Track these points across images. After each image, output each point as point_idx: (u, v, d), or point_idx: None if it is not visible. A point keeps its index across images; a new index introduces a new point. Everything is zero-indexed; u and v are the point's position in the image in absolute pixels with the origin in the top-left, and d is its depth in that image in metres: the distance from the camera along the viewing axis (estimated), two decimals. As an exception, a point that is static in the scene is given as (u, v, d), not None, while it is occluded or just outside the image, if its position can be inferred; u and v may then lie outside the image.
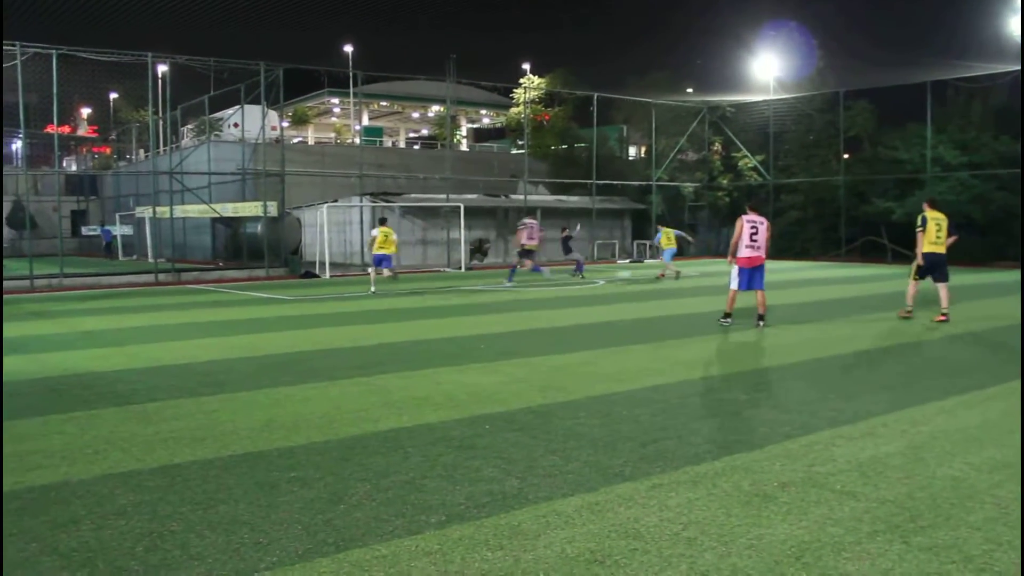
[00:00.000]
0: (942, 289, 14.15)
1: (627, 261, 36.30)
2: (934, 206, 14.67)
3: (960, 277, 21.60)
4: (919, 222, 14.31)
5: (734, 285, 13.83)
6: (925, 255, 14.19)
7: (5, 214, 51.86)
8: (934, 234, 14.25)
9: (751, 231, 13.63)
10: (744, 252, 13.56)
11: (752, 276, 13.64)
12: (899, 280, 21.82)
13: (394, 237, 21.48)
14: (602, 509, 5.06)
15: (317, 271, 28.67)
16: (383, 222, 22.03)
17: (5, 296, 22.06)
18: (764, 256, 13.66)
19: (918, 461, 5.98)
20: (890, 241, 33.82)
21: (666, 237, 25.52)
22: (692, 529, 4.73)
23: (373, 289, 21.35)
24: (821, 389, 8.56)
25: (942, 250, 14.32)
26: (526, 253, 23.81)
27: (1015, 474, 5.65)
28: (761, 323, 13.67)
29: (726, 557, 4.35)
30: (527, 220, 24.20)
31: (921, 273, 14.41)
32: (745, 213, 13.99)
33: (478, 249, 34.39)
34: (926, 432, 6.80)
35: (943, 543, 4.50)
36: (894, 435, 6.71)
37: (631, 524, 4.81)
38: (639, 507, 5.09)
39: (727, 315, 14.08)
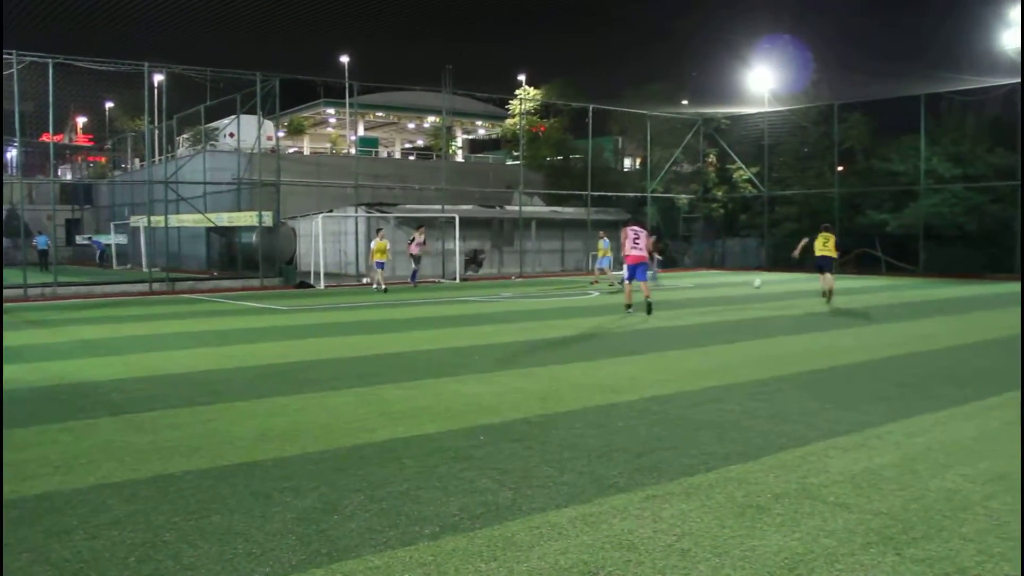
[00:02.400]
0: (829, 279, 20.47)
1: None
2: (827, 230, 21.49)
3: (955, 289, 21.67)
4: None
5: (624, 276, 18.38)
6: (817, 257, 21.02)
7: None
8: (821, 244, 20.96)
9: (634, 237, 17.59)
10: (630, 252, 17.52)
11: (635, 270, 17.66)
12: (894, 292, 21.92)
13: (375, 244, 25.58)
14: (596, 520, 5.06)
15: (312, 281, 28.65)
16: (378, 232, 25.39)
17: (-1, 305, 22.04)
18: (645, 256, 17.72)
19: (912, 473, 6.00)
20: (884, 253, 33.92)
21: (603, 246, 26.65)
22: (686, 540, 4.73)
23: (384, 287, 24.96)
24: (816, 400, 8.57)
25: (831, 254, 20.93)
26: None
27: (1009, 486, 5.66)
28: (649, 308, 17.48)
29: (720, 569, 4.35)
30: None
31: (818, 269, 21.03)
32: (635, 223, 18.33)
33: (473, 260, 34.41)
34: (920, 443, 6.81)
35: (936, 555, 4.51)
36: (888, 446, 6.72)
37: (625, 536, 4.81)
38: (633, 518, 5.09)
39: (628, 306, 18.13)
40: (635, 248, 17.48)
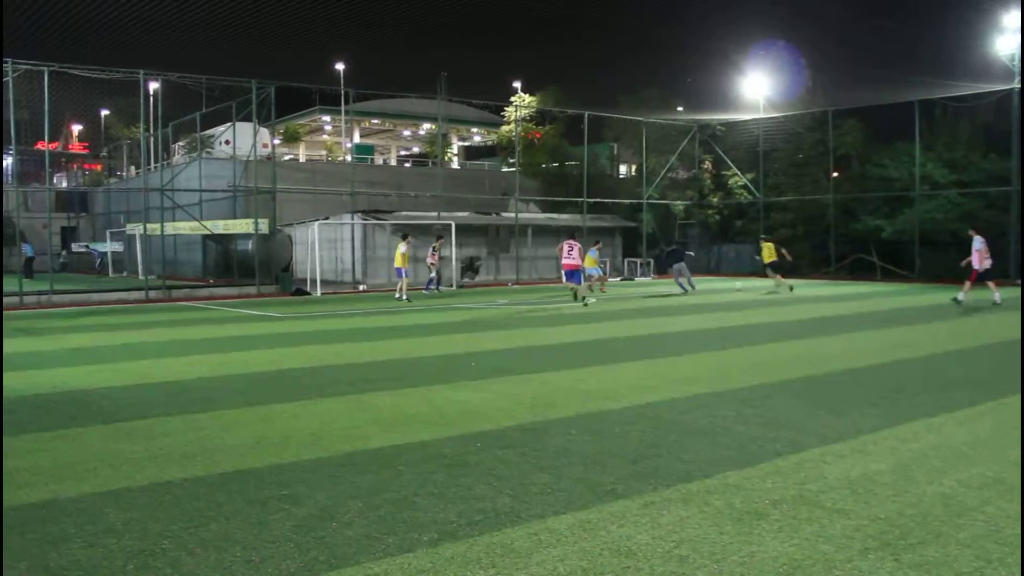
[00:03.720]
0: (778, 277, 27.41)
1: (618, 279, 36.33)
2: (765, 241, 28.50)
3: (949, 295, 21.71)
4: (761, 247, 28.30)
5: (564, 280, 23.40)
6: (767, 264, 27.73)
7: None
8: (768, 254, 27.81)
9: (568, 249, 22.28)
10: (565, 262, 22.26)
11: (570, 276, 22.47)
12: (890, 298, 21.96)
13: (399, 251, 25.66)
14: (594, 527, 5.05)
15: (308, 288, 28.64)
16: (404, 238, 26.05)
17: (-6, 313, 21.99)
18: (578, 264, 22.37)
19: (908, 478, 6.00)
20: (879, 259, 33.98)
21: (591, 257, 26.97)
22: (684, 547, 4.73)
23: (405, 297, 24.80)
24: (811, 406, 8.58)
25: (775, 258, 27.58)
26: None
27: (1005, 491, 5.67)
28: (585, 302, 22.43)
29: (719, 575, 4.35)
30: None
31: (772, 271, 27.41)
32: (571, 238, 22.85)
33: (469, 267, 34.42)
34: (916, 449, 6.82)
35: (934, 560, 4.51)
36: (884, 452, 6.73)
37: (623, 542, 4.81)
38: (631, 525, 5.09)
39: (583, 299, 22.87)
40: (569, 258, 22.16)
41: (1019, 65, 29.73)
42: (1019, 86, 29.85)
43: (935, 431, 7.45)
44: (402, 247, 25.62)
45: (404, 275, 25.35)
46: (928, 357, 12.39)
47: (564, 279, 23.04)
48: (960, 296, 20.72)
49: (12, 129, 25.15)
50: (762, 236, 30.80)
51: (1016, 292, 23.39)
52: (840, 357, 12.25)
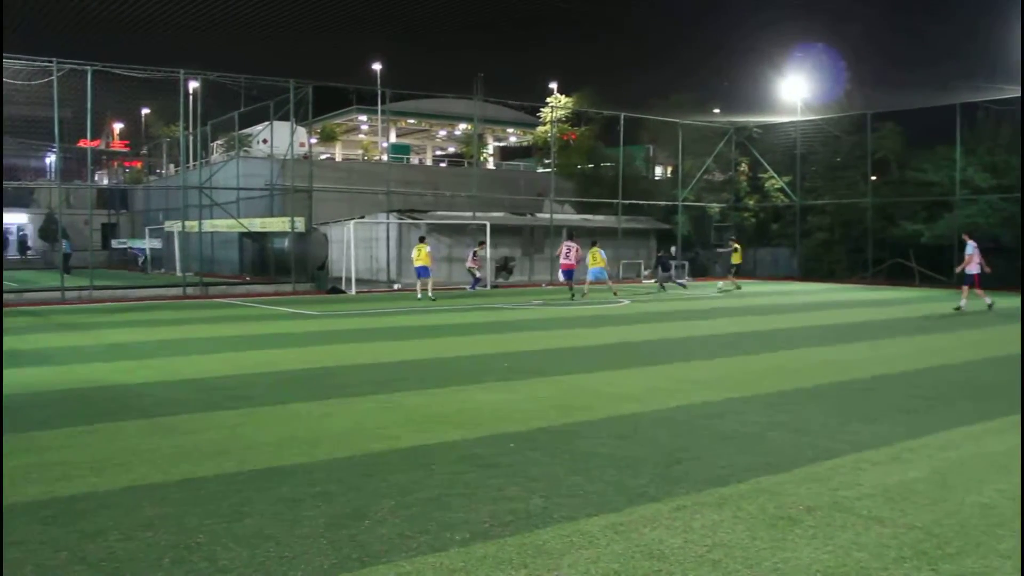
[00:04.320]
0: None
1: (653, 281, 36.17)
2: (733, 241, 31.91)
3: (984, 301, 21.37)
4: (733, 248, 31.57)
5: (560, 278, 27.02)
6: (735, 265, 31.81)
7: (38, 227, 52.58)
8: (738, 257, 31.79)
9: (567, 251, 25.81)
10: (563, 262, 25.78)
11: (568, 275, 26.10)
12: (928, 303, 21.68)
13: (426, 251, 25.66)
14: (626, 530, 5.04)
15: (343, 287, 28.80)
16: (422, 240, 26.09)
17: (37, 308, 22.36)
18: (575, 264, 25.79)
19: (945, 487, 5.92)
20: (918, 264, 33.54)
21: (592, 257, 26.60)
22: (717, 551, 4.70)
23: (420, 296, 25.23)
24: (845, 412, 8.49)
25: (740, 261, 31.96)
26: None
27: (1045, 502, 5.57)
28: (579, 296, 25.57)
29: (750, 580, 4.32)
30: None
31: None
32: (570, 239, 26.48)
33: (504, 267, 34.44)
34: (953, 458, 6.73)
35: (972, 571, 4.44)
36: (920, 460, 6.64)
37: (655, 545, 4.79)
38: (663, 528, 5.07)
39: (573, 295, 25.71)
40: (567, 259, 25.78)
41: (1021, 66, 29.18)
42: (1021, 89, 29.35)
43: (973, 440, 7.34)
44: (426, 248, 25.76)
45: (428, 274, 25.55)
46: (965, 364, 12.21)
47: (561, 278, 26.57)
48: (962, 303, 20.86)
49: (56, 127, 25.53)
50: (732, 238, 34.64)
51: (1016, 301, 22.89)
52: (875, 363, 12.11)
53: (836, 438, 7.37)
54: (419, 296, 25.36)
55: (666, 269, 32.03)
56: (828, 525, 5.12)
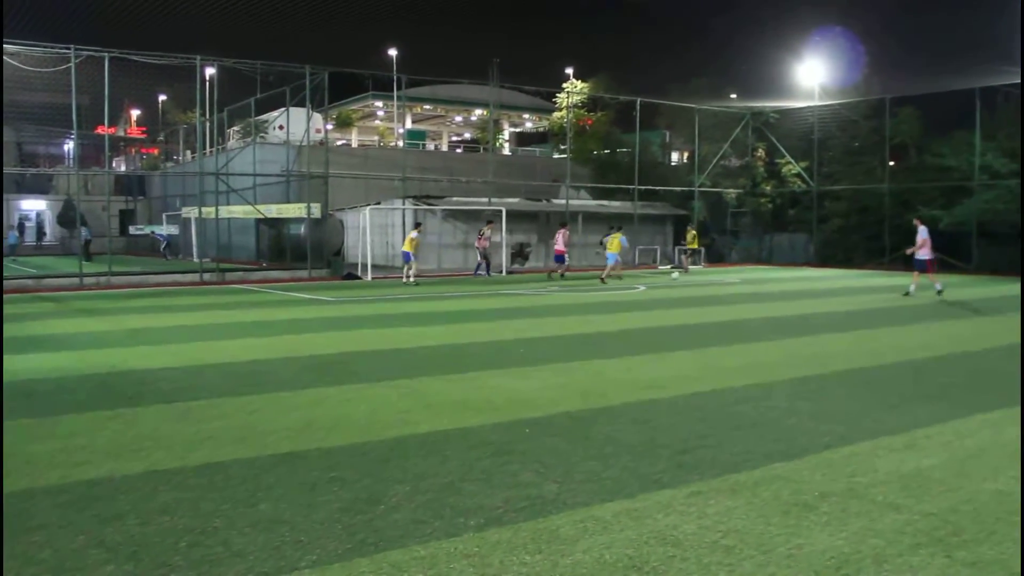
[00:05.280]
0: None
1: (669, 267, 36.11)
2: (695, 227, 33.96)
3: (1006, 288, 21.24)
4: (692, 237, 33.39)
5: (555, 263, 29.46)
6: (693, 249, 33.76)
7: (56, 212, 52.93)
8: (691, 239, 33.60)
9: (561, 237, 28.83)
10: (556, 248, 28.68)
11: (559, 259, 28.81)
12: (946, 290, 21.52)
13: (411, 236, 26.18)
14: (640, 516, 5.05)
15: (359, 273, 28.87)
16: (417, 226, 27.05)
17: (56, 293, 22.53)
18: (563, 250, 28.63)
19: (962, 474, 5.90)
20: (936, 250, 33.26)
21: (612, 242, 27.49)
22: (731, 537, 4.71)
23: (404, 281, 25.61)
24: (862, 399, 8.46)
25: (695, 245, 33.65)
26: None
27: (1062, 489, 5.54)
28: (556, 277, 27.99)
29: (765, 567, 4.32)
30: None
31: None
32: (563, 227, 29.40)
33: (519, 253, 34.41)
34: (971, 445, 6.70)
35: (988, 559, 4.43)
36: (937, 447, 6.62)
37: (669, 531, 4.80)
38: (677, 514, 5.07)
39: (561, 276, 28.23)
40: (559, 244, 28.73)
41: (1021, 64, 28.87)
42: (1021, 80, 29.04)
43: (991, 427, 7.30)
44: (413, 233, 26.25)
45: (411, 259, 25.82)
46: (985, 352, 12.14)
47: (555, 261, 29.13)
48: (911, 289, 21.02)
49: (74, 114, 25.65)
50: (690, 225, 35.94)
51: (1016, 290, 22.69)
52: (893, 350, 12.06)
53: (853, 425, 7.35)
54: (404, 281, 25.75)
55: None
56: (843, 511, 5.12)
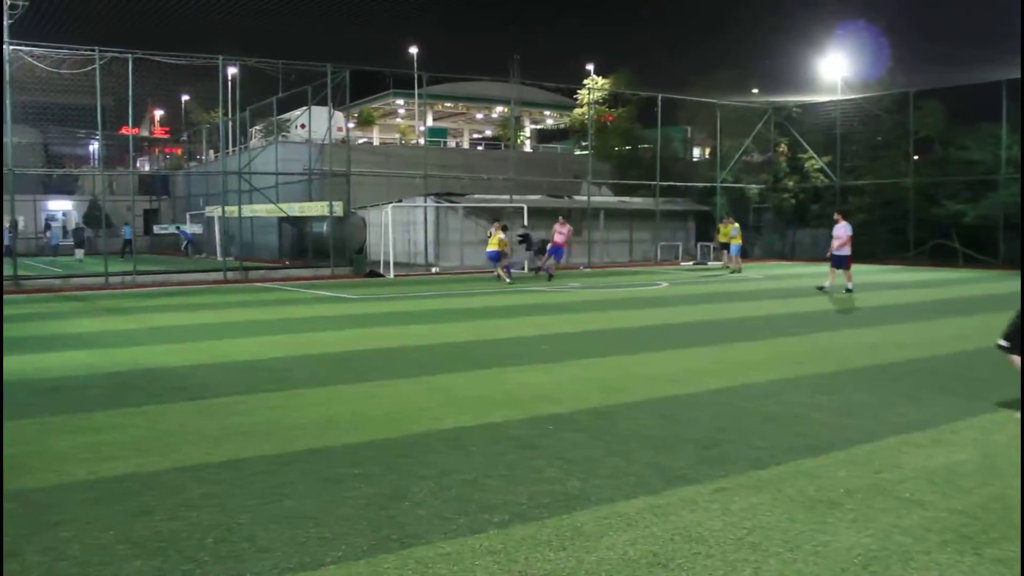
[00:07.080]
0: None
1: (691, 263, 35.96)
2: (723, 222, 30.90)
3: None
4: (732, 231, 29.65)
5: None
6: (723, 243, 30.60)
7: (82, 213, 53.42)
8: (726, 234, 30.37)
9: (559, 229, 26.82)
10: (556, 240, 26.67)
11: (556, 251, 26.90)
12: (971, 285, 21.35)
13: (499, 236, 25.87)
14: (665, 512, 5.03)
15: (381, 270, 28.95)
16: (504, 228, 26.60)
17: (82, 292, 22.73)
18: (564, 244, 26.97)
19: (991, 471, 5.84)
20: (961, 244, 32.98)
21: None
22: (756, 534, 4.69)
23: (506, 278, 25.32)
24: (887, 394, 8.40)
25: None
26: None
27: (1093, 485, 5.47)
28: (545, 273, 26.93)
29: (791, 563, 4.30)
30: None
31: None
32: (559, 221, 27.20)
33: (541, 250, 34.35)
34: (1000, 441, 6.63)
35: (1017, 556, 4.38)
36: (965, 443, 6.56)
37: (694, 527, 4.78)
38: (702, 510, 5.05)
39: (549, 276, 26.56)
40: (561, 235, 26.71)
41: (1021, 61, 28.46)
42: (1021, 78, 28.64)
43: (1019, 423, 7.21)
44: (501, 234, 26.07)
45: (497, 257, 25.94)
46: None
47: (549, 253, 27.57)
48: (826, 284, 20.94)
49: (99, 115, 25.86)
50: (728, 216, 32.50)
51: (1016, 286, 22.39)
52: (918, 345, 11.96)
53: (878, 420, 7.30)
54: (508, 281, 25.16)
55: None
56: (869, 508, 5.08)
